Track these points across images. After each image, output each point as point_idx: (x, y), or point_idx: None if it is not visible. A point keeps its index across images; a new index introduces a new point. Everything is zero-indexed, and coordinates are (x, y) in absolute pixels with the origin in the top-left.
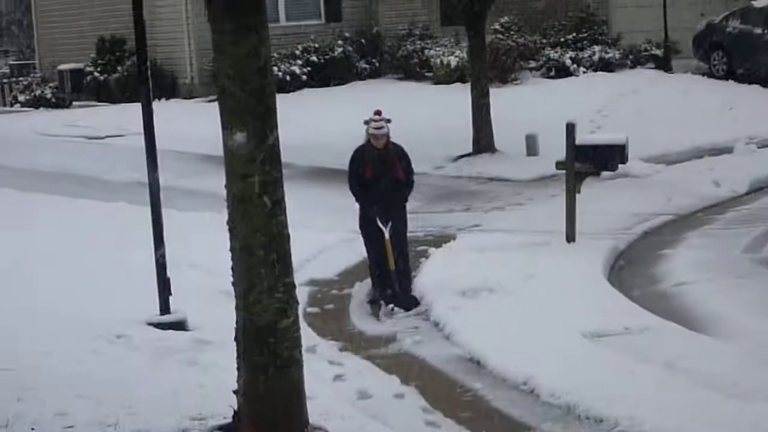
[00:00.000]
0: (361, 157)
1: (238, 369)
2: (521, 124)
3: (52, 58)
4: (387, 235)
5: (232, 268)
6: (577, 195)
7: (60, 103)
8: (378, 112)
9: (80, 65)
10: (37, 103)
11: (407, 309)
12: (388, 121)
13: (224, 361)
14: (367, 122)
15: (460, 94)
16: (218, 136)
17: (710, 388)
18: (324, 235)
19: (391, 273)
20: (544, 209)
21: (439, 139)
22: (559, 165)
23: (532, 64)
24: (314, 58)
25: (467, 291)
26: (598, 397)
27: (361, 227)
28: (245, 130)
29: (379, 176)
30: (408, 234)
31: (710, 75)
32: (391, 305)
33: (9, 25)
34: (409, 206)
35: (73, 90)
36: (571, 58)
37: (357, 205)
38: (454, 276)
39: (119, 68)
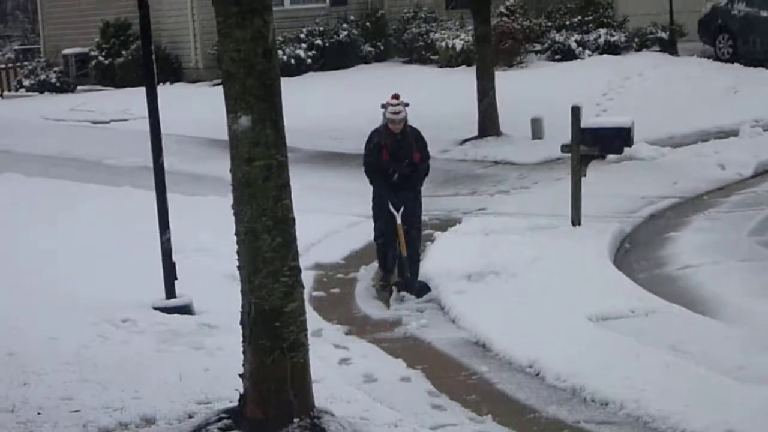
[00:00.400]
0: (377, 139)
1: (244, 353)
2: (526, 107)
3: (56, 43)
4: (399, 221)
5: (238, 252)
6: (583, 178)
7: (65, 87)
8: (396, 96)
9: (85, 49)
10: (41, 87)
11: (418, 295)
12: (406, 105)
13: (230, 345)
14: (384, 106)
15: (466, 78)
16: (223, 120)
17: (715, 371)
18: (329, 219)
19: (402, 259)
20: (549, 192)
21: (444, 122)
22: (564, 148)
23: (538, 47)
24: (319, 41)
25: (473, 274)
26: (603, 380)
27: (373, 210)
28: (250, 113)
29: (395, 160)
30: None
31: (716, 58)
32: (402, 292)
33: (13, 10)
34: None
35: (78, 74)
36: (576, 41)
37: (370, 188)
38: (459, 260)
39: (124, 52)
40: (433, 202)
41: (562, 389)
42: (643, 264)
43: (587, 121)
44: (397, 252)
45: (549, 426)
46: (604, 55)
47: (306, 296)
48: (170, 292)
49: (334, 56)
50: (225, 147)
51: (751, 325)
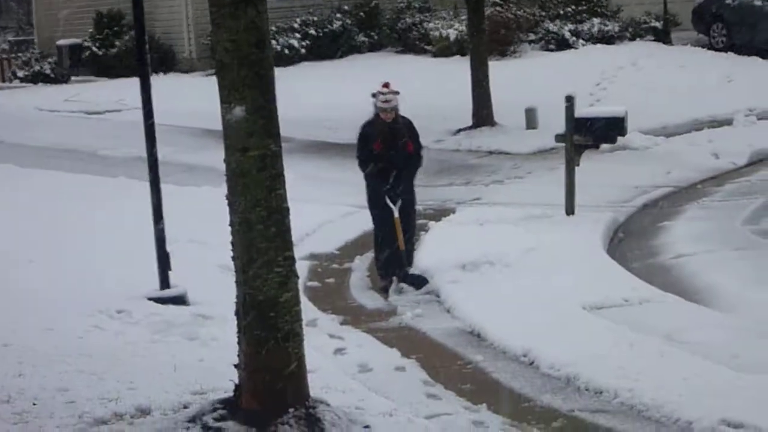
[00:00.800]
0: (369, 130)
1: (239, 343)
2: (520, 97)
3: (50, 34)
4: (396, 213)
5: (232, 243)
6: (577, 168)
7: (59, 78)
8: (386, 84)
9: (79, 40)
10: (35, 78)
11: (417, 288)
12: (396, 93)
13: (224, 336)
14: (374, 95)
15: (460, 67)
16: (217, 110)
17: (710, 359)
18: (324, 209)
19: (400, 252)
20: (543, 182)
21: (438, 112)
22: (558, 138)
23: (532, 36)
24: (313, 31)
25: (467, 264)
26: (597, 369)
27: (369, 203)
28: (244, 103)
29: (389, 150)
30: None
31: (710, 47)
32: (401, 284)
33: (7, 1)
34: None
35: (72, 65)
36: (570, 30)
37: (363, 181)
38: (454, 249)
39: (117, 43)
40: (427, 192)
41: (556, 378)
42: (637, 253)
43: (581, 110)
44: (395, 245)
45: (543, 415)
46: (598, 45)
47: (300, 286)
48: (164, 283)
49: (328, 46)
50: (219, 137)
51: (746, 314)
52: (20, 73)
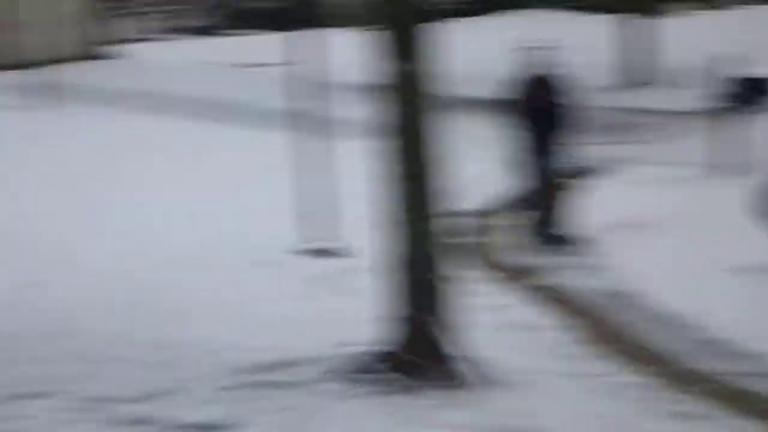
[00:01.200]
0: (522, 85)
1: (388, 297)
2: (676, 56)
3: None
4: (549, 172)
5: (386, 197)
6: (731, 129)
7: (214, 31)
8: (540, 39)
9: None
10: (190, 31)
11: (568, 248)
12: (551, 48)
13: (372, 289)
14: (528, 49)
15: (620, 25)
16: (374, 65)
17: None
18: (478, 166)
19: (552, 211)
20: (695, 143)
21: (591, 70)
22: (711, 99)
23: None
24: None
25: (619, 225)
26: (753, 333)
27: (520, 162)
28: (404, 59)
29: (541, 106)
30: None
31: None
32: (553, 244)
33: None
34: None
35: (230, 17)
36: None
37: (514, 138)
38: (608, 210)
39: None
40: (579, 151)
41: (712, 342)
42: None
43: (733, 72)
44: (547, 201)
45: (696, 377)
46: (755, 6)
47: (453, 243)
48: (315, 236)
49: (490, 2)
50: (374, 92)
51: None
52: (174, 25)
